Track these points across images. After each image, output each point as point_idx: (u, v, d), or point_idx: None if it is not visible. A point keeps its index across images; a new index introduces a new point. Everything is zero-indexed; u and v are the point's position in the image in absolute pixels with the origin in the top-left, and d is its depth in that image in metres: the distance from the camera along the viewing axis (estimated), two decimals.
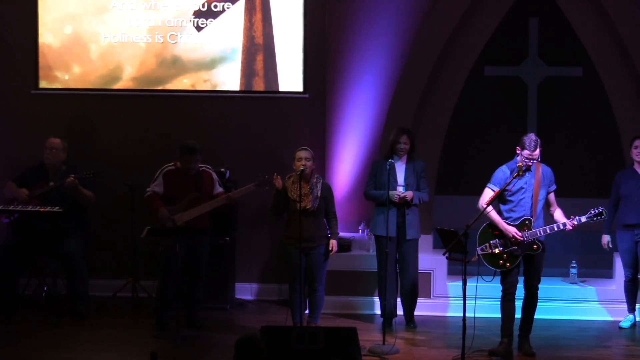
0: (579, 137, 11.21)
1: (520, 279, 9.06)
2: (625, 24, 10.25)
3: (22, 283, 10.14)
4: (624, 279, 9.80)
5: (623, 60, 10.37)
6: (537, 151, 8.80)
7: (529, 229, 8.81)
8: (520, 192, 8.89)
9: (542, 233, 8.81)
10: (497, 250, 8.84)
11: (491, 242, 8.84)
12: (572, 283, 10.22)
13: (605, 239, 9.80)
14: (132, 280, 10.37)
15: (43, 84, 10.96)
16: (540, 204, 8.92)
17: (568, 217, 8.84)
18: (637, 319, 9.86)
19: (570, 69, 11.10)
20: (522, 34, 11.16)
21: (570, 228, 8.81)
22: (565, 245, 10.79)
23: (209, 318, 9.80)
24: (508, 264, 8.84)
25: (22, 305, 9.97)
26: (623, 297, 9.85)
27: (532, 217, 8.85)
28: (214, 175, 9.70)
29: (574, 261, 10.29)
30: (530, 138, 8.79)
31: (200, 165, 9.58)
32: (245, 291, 10.87)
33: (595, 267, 10.58)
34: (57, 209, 9.62)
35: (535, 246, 8.83)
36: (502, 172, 8.93)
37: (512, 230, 8.79)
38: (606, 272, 10.43)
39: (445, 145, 10.70)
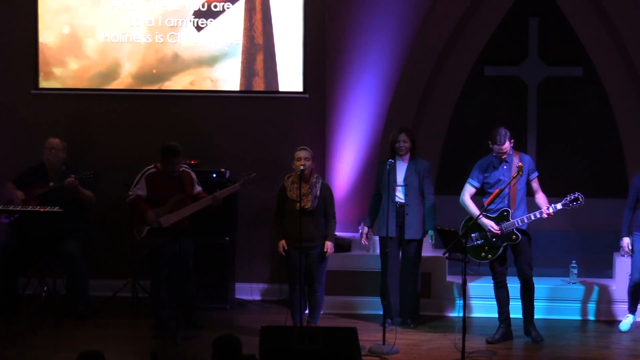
0: (579, 137, 11.20)
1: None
2: (625, 24, 10.26)
3: (22, 283, 10.14)
4: (630, 282, 9.55)
5: (623, 60, 10.37)
6: (506, 144, 9.05)
7: (507, 220, 9.04)
8: (498, 183, 9.12)
9: (519, 223, 9.03)
10: (478, 243, 9.11)
11: (472, 235, 9.09)
12: (572, 283, 10.21)
13: (625, 241, 9.55)
14: (132, 280, 10.38)
15: (41, 81, 10.94)
16: (519, 194, 9.14)
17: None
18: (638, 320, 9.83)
19: (570, 69, 11.09)
20: (522, 34, 11.15)
21: (546, 216, 9.00)
22: (566, 245, 10.79)
23: (209, 318, 9.80)
24: (490, 256, 9.11)
25: (22, 305, 9.97)
26: (623, 297, 9.77)
27: (510, 208, 9.06)
28: (193, 175, 9.69)
29: (574, 261, 10.27)
30: (500, 132, 9.06)
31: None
32: (245, 291, 10.86)
33: (595, 267, 10.56)
34: (57, 209, 9.62)
35: (514, 236, 9.06)
36: (478, 165, 9.23)
37: (488, 224, 9.05)
38: (606, 272, 10.41)
39: (445, 145, 10.70)
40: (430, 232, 9.56)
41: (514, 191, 9.09)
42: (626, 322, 9.66)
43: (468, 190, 9.27)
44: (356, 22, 10.53)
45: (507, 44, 11.06)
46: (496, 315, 9.41)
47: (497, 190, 8.95)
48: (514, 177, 8.92)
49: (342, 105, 10.64)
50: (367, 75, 10.57)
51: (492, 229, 9.04)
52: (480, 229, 9.09)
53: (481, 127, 11.22)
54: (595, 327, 9.79)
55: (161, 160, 9.47)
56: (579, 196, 8.90)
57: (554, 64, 11.15)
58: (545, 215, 8.99)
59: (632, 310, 9.71)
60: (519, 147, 9.56)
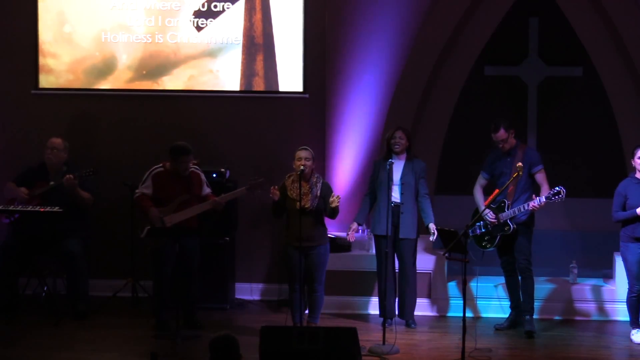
0: (579, 138, 11.21)
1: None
2: (625, 24, 10.26)
3: (22, 283, 10.14)
4: (629, 294, 9.29)
5: (623, 60, 10.38)
6: (500, 132, 9.33)
7: (504, 211, 9.33)
8: (502, 176, 9.35)
9: (511, 214, 9.27)
10: (479, 232, 9.44)
11: (476, 224, 9.39)
12: (572, 283, 10.21)
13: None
14: (132, 280, 10.38)
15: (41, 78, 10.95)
16: (519, 186, 9.33)
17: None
18: None
19: (570, 69, 11.10)
20: (522, 34, 11.16)
21: (530, 208, 9.18)
22: (566, 246, 10.80)
23: (209, 318, 9.80)
24: (489, 245, 9.41)
25: (22, 305, 9.97)
26: (623, 297, 9.68)
27: (507, 199, 9.32)
28: (202, 176, 9.67)
29: (574, 261, 10.27)
30: (494, 121, 9.37)
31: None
32: (245, 291, 10.86)
33: (595, 267, 10.56)
34: (57, 209, 9.62)
35: (506, 227, 9.32)
36: (488, 157, 9.52)
37: (485, 213, 9.31)
38: (606, 272, 10.41)
39: (445, 145, 10.70)
40: (431, 226, 9.47)
41: (514, 183, 9.26)
42: (638, 336, 9.29)
43: (479, 182, 9.58)
44: (356, 22, 10.54)
45: (507, 44, 11.07)
46: (497, 315, 9.47)
47: (496, 190, 8.99)
48: (513, 178, 9.01)
49: (342, 105, 10.64)
50: (367, 75, 10.58)
51: (485, 218, 9.33)
52: (483, 218, 9.37)
53: (481, 127, 11.25)
54: (595, 327, 9.78)
55: (170, 160, 9.46)
56: (561, 190, 9.05)
57: (554, 64, 11.16)
58: (531, 207, 9.16)
59: (637, 324, 9.34)
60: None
